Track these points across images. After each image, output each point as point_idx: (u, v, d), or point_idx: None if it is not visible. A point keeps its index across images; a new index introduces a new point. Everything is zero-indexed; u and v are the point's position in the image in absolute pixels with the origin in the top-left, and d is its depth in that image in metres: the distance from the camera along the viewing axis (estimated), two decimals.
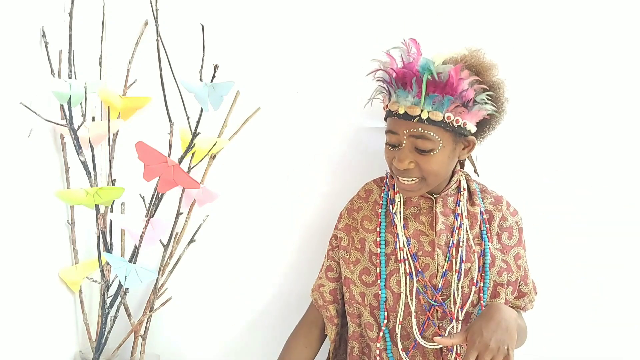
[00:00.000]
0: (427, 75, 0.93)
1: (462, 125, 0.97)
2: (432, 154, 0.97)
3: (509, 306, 1.04)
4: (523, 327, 1.05)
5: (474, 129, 1.00)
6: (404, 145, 0.98)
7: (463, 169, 1.14)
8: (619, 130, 1.28)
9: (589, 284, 1.30)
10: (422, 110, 0.95)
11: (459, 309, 1.01)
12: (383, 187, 1.11)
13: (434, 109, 0.95)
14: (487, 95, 0.97)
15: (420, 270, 1.03)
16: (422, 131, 0.96)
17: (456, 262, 1.02)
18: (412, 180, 1.00)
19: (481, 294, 1.02)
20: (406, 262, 1.03)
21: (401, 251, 1.04)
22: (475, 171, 1.15)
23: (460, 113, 0.96)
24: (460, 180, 1.08)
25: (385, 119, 1.04)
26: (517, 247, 1.06)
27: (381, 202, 1.10)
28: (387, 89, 1.01)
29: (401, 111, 0.97)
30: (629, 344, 1.31)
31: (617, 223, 1.29)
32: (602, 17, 1.26)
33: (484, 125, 1.04)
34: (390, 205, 1.08)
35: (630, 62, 1.27)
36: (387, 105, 1.01)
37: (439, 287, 1.02)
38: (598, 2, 1.25)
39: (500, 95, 1.02)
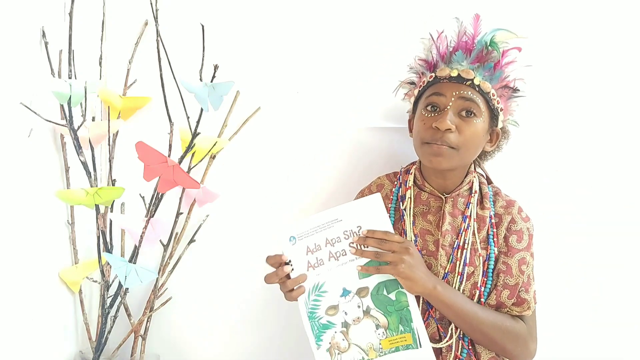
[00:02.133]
0: (488, 46, 0.98)
1: (499, 110, 1.01)
2: (474, 121, 0.98)
3: (506, 312, 1.02)
4: (513, 330, 1.00)
5: (501, 125, 1.03)
6: (449, 107, 0.99)
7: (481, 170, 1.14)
8: (619, 130, 1.28)
9: (588, 284, 1.29)
10: (474, 77, 0.98)
11: None
12: (395, 183, 1.11)
13: (486, 79, 0.99)
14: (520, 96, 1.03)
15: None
16: (471, 95, 0.98)
17: (459, 265, 1.02)
18: (444, 147, 0.98)
19: (482, 299, 1.01)
20: None
21: None
22: (488, 179, 1.13)
23: (501, 96, 1.00)
24: (473, 182, 1.07)
25: (424, 91, 1.04)
26: (524, 251, 1.03)
27: (391, 197, 1.10)
28: (434, 62, 1.04)
29: (454, 74, 0.99)
30: (629, 344, 1.31)
31: (617, 223, 1.29)
32: (606, 17, 1.26)
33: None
34: (401, 202, 1.08)
35: (631, 63, 1.27)
36: (431, 75, 1.03)
37: None
38: (603, 3, 1.25)
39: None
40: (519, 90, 1.03)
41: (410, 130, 1.11)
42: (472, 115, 0.98)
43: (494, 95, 0.99)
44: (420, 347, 0.96)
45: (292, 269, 0.96)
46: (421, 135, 1.01)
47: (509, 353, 1.00)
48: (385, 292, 0.95)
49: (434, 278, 0.96)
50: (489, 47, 0.99)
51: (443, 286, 0.96)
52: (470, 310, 0.97)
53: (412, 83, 1.11)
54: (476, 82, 0.98)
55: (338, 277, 0.97)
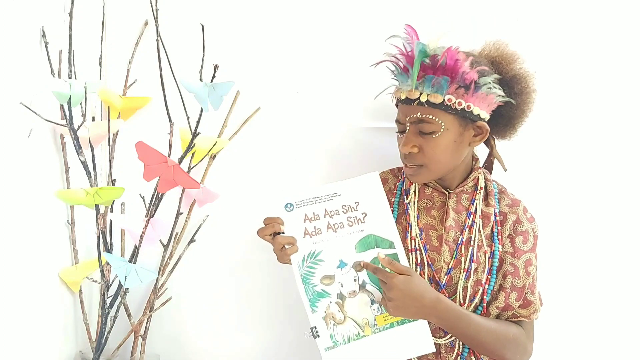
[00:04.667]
0: (423, 57, 0.95)
1: (466, 109, 0.97)
2: (433, 136, 0.98)
3: (512, 315, 1.02)
4: (515, 340, 1.00)
5: (484, 115, 0.99)
6: (407, 129, 1.00)
7: (491, 166, 1.13)
8: (622, 129, 1.28)
9: (589, 284, 1.30)
10: (421, 94, 0.97)
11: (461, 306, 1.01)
12: (399, 177, 1.12)
13: (434, 91, 0.96)
14: (495, 79, 0.98)
15: (429, 262, 1.02)
16: (421, 115, 0.97)
17: (465, 261, 1.02)
18: (413, 166, 1.02)
19: (484, 296, 1.01)
20: (417, 252, 1.03)
21: (412, 240, 1.03)
22: (504, 168, 1.12)
23: (462, 95, 0.96)
24: (478, 178, 1.07)
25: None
26: (530, 253, 1.03)
27: (395, 191, 1.10)
28: (396, 76, 1.03)
29: (402, 97, 1.00)
30: (629, 344, 1.31)
31: (619, 223, 1.29)
32: (607, 17, 1.26)
33: (507, 117, 1.04)
34: (405, 196, 1.08)
35: (634, 63, 1.27)
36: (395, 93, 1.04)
37: (443, 283, 1.02)
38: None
39: (525, 87, 1.03)
40: (484, 77, 0.96)
41: None
42: (430, 132, 0.98)
43: (450, 101, 0.95)
44: (416, 320, 0.98)
45: (284, 233, 0.98)
46: (400, 154, 1.05)
47: (509, 359, 1.01)
48: (381, 267, 0.96)
49: (427, 309, 0.94)
50: (424, 59, 0.95)
51: (440, 314, 0.95)
52: (473, 331, 0.97)
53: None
54: (423, 98, 0.96)
55: (335, 249, 0.99)
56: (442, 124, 0.97)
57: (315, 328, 0.95)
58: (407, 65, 0.98)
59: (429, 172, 1.01)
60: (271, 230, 0.97)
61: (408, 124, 1.00)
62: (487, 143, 1.11)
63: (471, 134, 1.01)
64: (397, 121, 1.03)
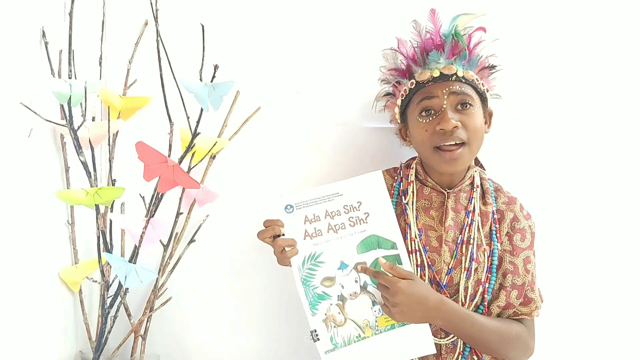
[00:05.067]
0: (454, 36, 0.99)
1: (485, 90, 1.02)
2: (472, 111, 0.99)
3: (513, 313, 1.03)
4: (518, 338, 1.01)
5: (488, 102, 1.05)
6: (444, 106, 0.99)
7: (479, 164, 1.14)
8: (618, 127, 1.28)
9: (587, 281, 1.30)
10: (457, 70, 0.99)
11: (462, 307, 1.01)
12: (396, 177, 1.11)
13: (466, 68, 1.00)
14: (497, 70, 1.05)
15: (430, 263, 1.02)
16: (460, 88, 0.99)
17: (465, 260, 1.02)
18: (458, 145, 0.98)
19: (485, 295, 1.01)
20: (417, 253, 1.03)
21: (412, 242, 1.03)
22: (481, 166, 1.14)
23: (482, 77, 1.02)
24: (474, 177, 1.07)
25: (410, 99, 1.05)
26: (528, 250, 1.04)
27: (392, 191, 1.09)
28: (406, 68, 1.05)
29: (436, 74, 1.00)
30: (629, 344, 1.31)
31: (616, 221, 1.29)
32: (613, 17, 1.26)
33: None
34: (403, 196, 1.08)
35: (631, 62, 1.27)
36: (412, 82, 1.03)
37: (444, 284, 1.02)
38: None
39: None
40: (495, 66, 1.05)
41: (404, 139, 1.11)
42: (469, 106, 0.99)
43: (478, 81, 1.01)
44: None
45: (284, 235, 0.97)
46: (429, 142, 1.00)
47: (511, 358, 1.01)
48: (381, 268, 0.96)
49: (432, 311, 0.93)
50: (456, 38, 1.00)
51: (444, 316, 0.94)
52: (476, 331, 0.97)
53: (389, 94, 1.12)
54: (460, 74, 0.99)
55: (336, 250, 0.98)
56: (476, 99, 1.00)
57: (315, 331, 0.95)
58: (439, 42, 1.01)
59: (470, 151, 1.00)
60: (271, 233, 0.96)
61: (446, 99, 0.99)
62: None
63: (484, 119, 1.04)
64: (428, 97, 1.00)
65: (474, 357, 1.03)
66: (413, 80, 1.03)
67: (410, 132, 1.06)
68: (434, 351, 0.98)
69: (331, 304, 0.96)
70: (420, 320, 0.94)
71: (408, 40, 1.05)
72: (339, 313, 0.96)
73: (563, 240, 1.28)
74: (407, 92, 1.04)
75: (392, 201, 1.08)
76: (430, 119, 1.00)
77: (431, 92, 1.00)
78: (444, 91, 0.98)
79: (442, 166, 1.01)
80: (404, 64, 1.06)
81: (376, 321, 0.97)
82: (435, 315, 0.94)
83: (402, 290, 0.91)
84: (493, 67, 1.05)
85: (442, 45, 1.01)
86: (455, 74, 0.99)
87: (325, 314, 0.96)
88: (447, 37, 1.00)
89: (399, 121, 1.11)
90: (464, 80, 1.00)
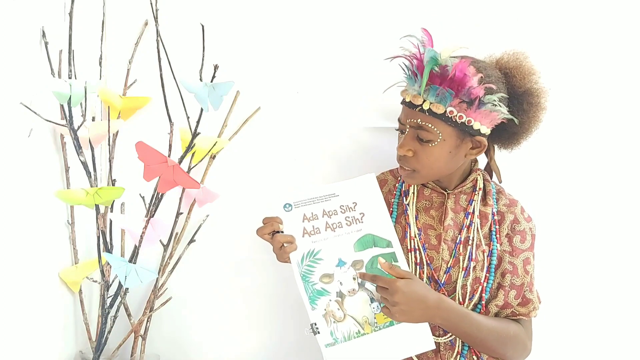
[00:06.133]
0: (432, 65, 0.94)
1: (466, 123, 0.96)
2: (430, 145, 0.98)
3: (511, 313, 1.03)
4: (516, 337, 1.01)
5: (485, 130, 0.99)
6: (406, 132, 1.01)
7: (491, 173, 1.13)
8: (620, 128, 1.28)
9: (587, 283, 1.30)
10: (424, 101, 0.96)
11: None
12: (399, 178, 1.12)
13: (437, 101, 0.95)
14: (502, 97, 0.97)
15: (428, 261, 1.03)
16: (421, 122, 0.98)
17: (463, 259, 1.02)
18: (407, 169, 1.03)
19: (483, 294, 1.02)
20: (416, 252, 1.04)
21: (412, 240, 1.04)
22: (499, 179, 1.13)
23: (464, 110, 0.95)
24: (477, 180, 1.08)
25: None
26: (528, 252, 1.04)
27: (395, 192, 1.11)
28: (406, 76, 1.03)
29: (407, 99, 1.00)
30: (629, 344, 1.31)
31: (617, 223, 1.29)
32: (609, 17, 1.26)
33: (511, 132, 1.04)
34: (404, 197, 1.09)
35: (633, 64, 1.27)
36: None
37: (442, 281, 1.02)
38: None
39: (535, 103, 1.02)
40: (490, 95, 0.95)
41: None
42: (426, 141, 0.98)
43: (452, 113, 0.95)
44: None
45: (282, 232, 0.98)
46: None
47: (509, 357, 1.02)
48: (379, 266, 0.97)
49: (431, 310, 0.93)
50: (434, 67, 0.94)
51: (443, 314, 0.95)
52: (475, 329, 0.97)
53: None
54: (425, 107, 0.96)
55: (334, 248, 1.00)
56: (440, 134, 0.97)
57: (316, 324, 0.96)
58: (417, 70, 0.97)
59: (420, 176, 1.03)
60: (270, 229, 0.97)
61: (408, 128, 1.00)
62: (487, 153, 1.11)
63: (468, 147, 1.01)
64: (399, 120, 1.04)
65: (474, 357, 1.03)
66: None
67: None
68: (434, 347, 0.98)
69: (330, 300, 0.98)
70: (419, 319, 0.95)
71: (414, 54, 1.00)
72: (338, 309, 0.97)
73: (561, 242, 1.28)
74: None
75: (394, 201, 1.10)
76: (401, 135, 1.04)
77: (401, 115, 1.03)
78: (408, 120, 1.00)
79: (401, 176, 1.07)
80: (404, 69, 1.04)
81: (375, 317, 0.98)
82: (434, 314, 0.94)
83: (401, 289, 0.91)
84: (476, 100, 0.94)
85: (418, 74, 0.97)
86: (421, 106, 0.96)
87: (325, 310, 0.97)
88: (426, 65, 0.95)
89: None
90: (429, 113, 0.96)
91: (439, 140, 0.97)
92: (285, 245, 0.97)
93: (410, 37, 0.98)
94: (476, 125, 0.97)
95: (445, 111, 0.95)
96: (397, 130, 1.06)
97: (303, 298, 0.97)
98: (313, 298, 0.97)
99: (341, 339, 0.96)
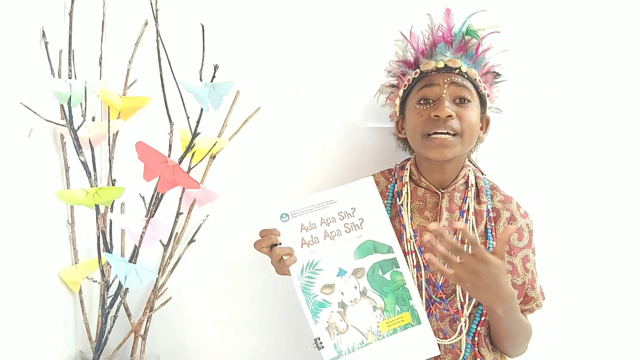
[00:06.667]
0: (470, 32, 1.00)
1: (486, 95, 1.02)
2: (470, 106, 1.00)
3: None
4: (530, 332, 1.03)
5: (487, 112, 1.05)
6: (443, 95, 0.99)
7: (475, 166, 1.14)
8: (615, 124, 1.28)
9: (585, 280, 1.30)
10: (461, 65, 1.00)
11: (462, 307, 1.00)
12: (390, 179, 1.11)
13: (470, 67, 1.01)
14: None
15: (425, 264, 1.02)
16: (462, 81, 1.00)
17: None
18: (449, 135, 0.97)
19: None
20: (412, 254, 1.02)
21: (408, 243, 1.03)
22: (480, 171, 1.13)
23: (486, 82, 1.02)
24: (468, 175, 1.07)
25: (411, 88, 1.05)
26: (526, 249, 1.03)
27: (387, 193, 1.09)
28: (413, 61, 1.05)
29: (440, 65, 1.00)
30: (629, 344, 1.31)
31: (614, 219, 1.29)
32: (608, 15, 1.26)
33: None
34: (397, 198, 1.07)
35: (630, 61, 1.27)
36: (416, 72, 1.03)
37: (440, 284, 1.01)
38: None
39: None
40: (500, 75, 1.06)
41: (399, 131, 1.11)
42: (467, 101, 0.99)
43: (480, 82, 1.01)
44: (420, 323, 0.97)
45: (281, 244, 0.97)
46: (421, 128, 1.00)
47: (517, 351, 1.03)
48: (380, 273, 0.96)
49: (505, 292, 0.88)
50: (467, 36, 1.01)
51: (505, 308, 0.90)
52: (516, 328, 0.97)
53: (393, 86, 1.12)
54: (463, 69, 1.00)
55: (334, 257, 0.98)
56: (475, 97, 1.01)
57: (319, 339, 0.94)
58: (452, 35, 1.02)
59: (461, 144, 0.99)
60: (268, 242, 0.96)
61: (445, 88, 0.99)
62: None
63: (480, 124, 1.03)
64: (428, 85, 1.00)
65: (477, 359, 1.02)
66: (418, 70, 1.03)
67: (406, 120, 1.06)
68: (438, 353, 0.98)
69: (332, 312, 0.96)
70: (485, 300, 0.88)
71: (420, 33, 1.06)
72: (341, 320, 0.96)
73: (559, 239, 1.28)
74: (411, 81, 1.04)
75: (387, 203, 1.08)
76: (427, 106, 1.00)
77: (432, 81, 1.00)
78: (445, 80, 0.99)
79: (431, 153, 0.99)
80: (413, 56, 1.07)
81: (378, 326, 0.96)
82: (504, 297, 0.88)
83: (491, 261, 0.83)
84: (498, 74, 1.05)
85: (451, 42, 1.02)
86: (459, 68, 0.99)
87: (327, 322, 0.96)
88: (457, 34, 1.01)
89: (397, 113, 1.11)
90: (466, 76, 1.00)
91: (475, 103, 1.00)
92: (284, 257, 0.95)
93: (428, 16, 1.05)
94: (488, 102, 1.02)
95: (477, 77, 1.00)
96: (422, 100, 1.00)
97: (305, 312, 0.95)
98: (315, 311, 0.96)
99: (345, 351, 0.94)
